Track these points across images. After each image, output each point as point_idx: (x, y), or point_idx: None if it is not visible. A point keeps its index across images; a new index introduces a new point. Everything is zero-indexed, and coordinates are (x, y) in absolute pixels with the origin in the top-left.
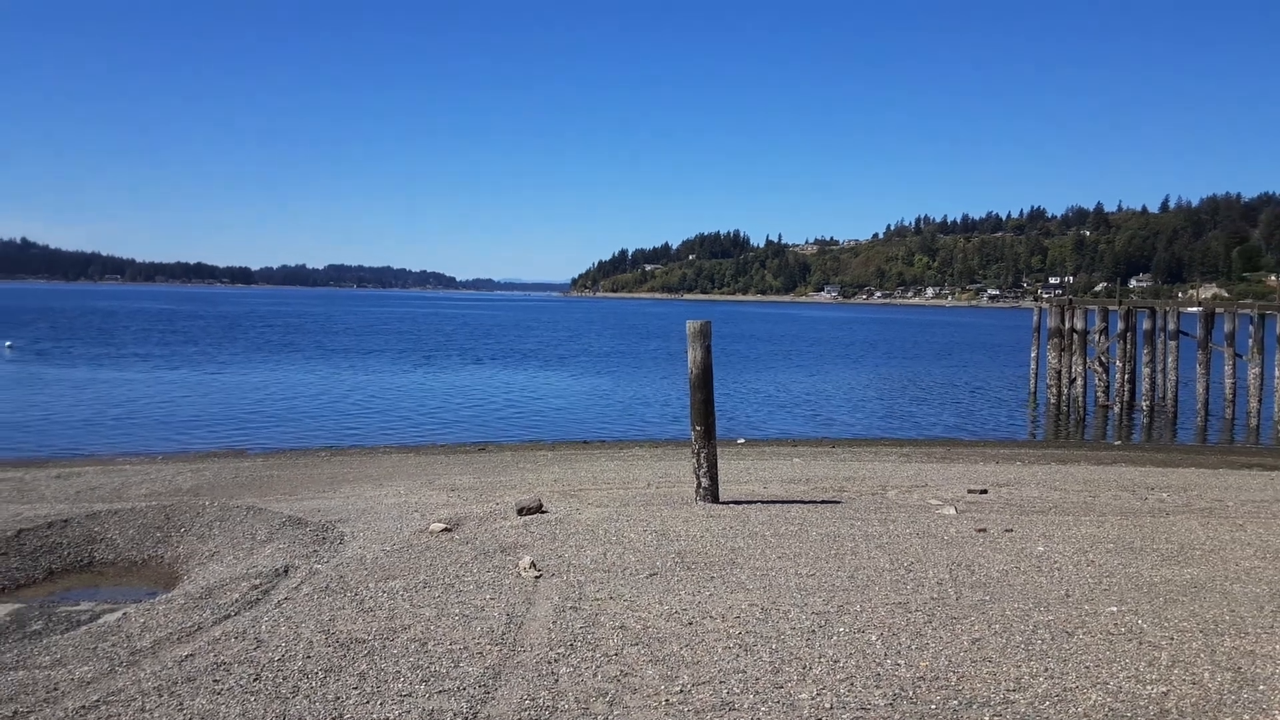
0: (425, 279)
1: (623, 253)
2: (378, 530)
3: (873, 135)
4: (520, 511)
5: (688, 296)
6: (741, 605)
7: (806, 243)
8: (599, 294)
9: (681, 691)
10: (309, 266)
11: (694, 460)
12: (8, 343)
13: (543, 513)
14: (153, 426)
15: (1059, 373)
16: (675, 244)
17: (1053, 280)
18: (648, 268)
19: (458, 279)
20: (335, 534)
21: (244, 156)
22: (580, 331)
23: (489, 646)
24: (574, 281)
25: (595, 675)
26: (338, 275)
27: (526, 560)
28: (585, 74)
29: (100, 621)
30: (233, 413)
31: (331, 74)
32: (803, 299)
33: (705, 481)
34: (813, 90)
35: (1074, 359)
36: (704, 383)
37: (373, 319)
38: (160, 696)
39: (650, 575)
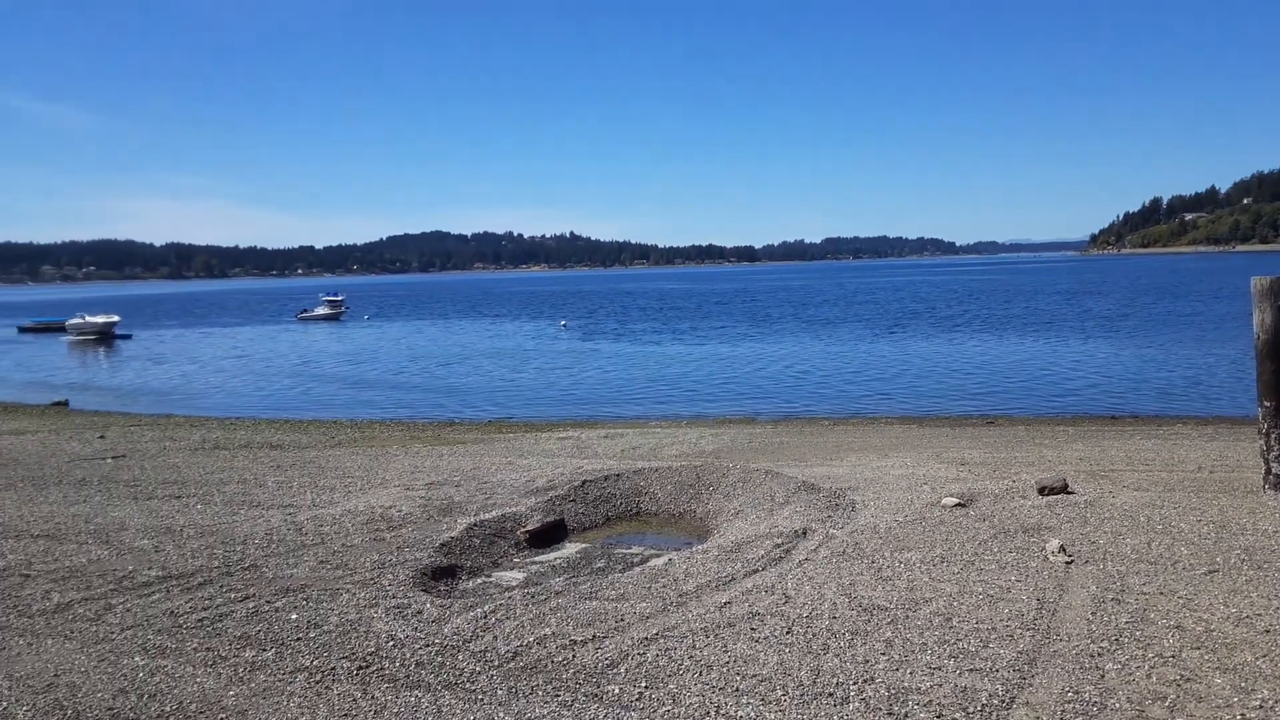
0: (922, 246)
1: (1155, 201)
2: (888, 500)
3: None
4: (1042, 491)
5: (1241, 248)
6: None
7: None
8: (1124, 250)
9: (1261, 708)
10: (807, 241)
11: (1262, 441)
12: (563, 321)
13: (1068, 493)
14: (675, 393)
15: None
16: (1224, 187)
17: None
18: (1187, 217)
19: (957, 244)
20: (846, 501)
21: (734, 143)
22: (1086, 292)
23: (1019, 630)
24: (1093, 238)
25: (1149, 676)
26: (834, 248)
27: (1054, 544)
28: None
29: (650, 565)
30: (740, 382)
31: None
32: None
33: (1277, 467)
34: None
35: None
36: (1276, 351)
37: (855, 289)
38: (707, 637)
39: (1209, 572)
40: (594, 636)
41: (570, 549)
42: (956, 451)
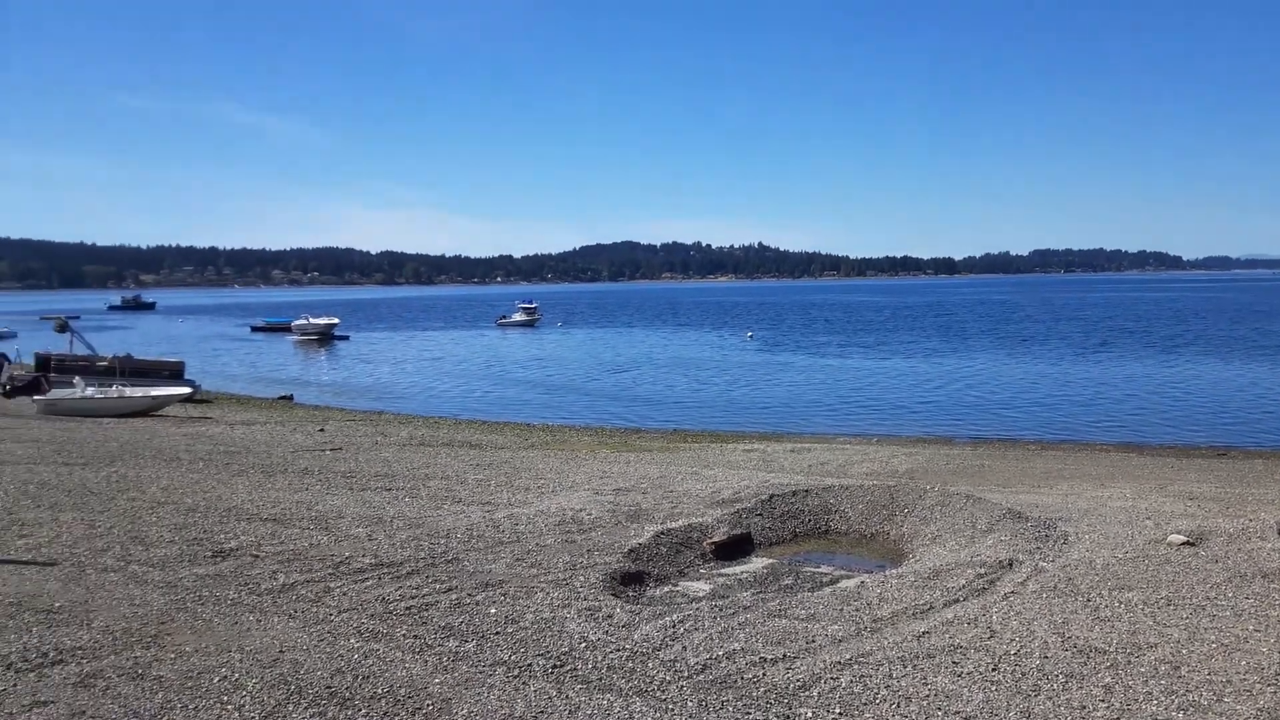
0: (1143, 260)
1: None
2: (1105, 534)
3: None
4: None
5: None
6: None
7: None
8: None
9: None
10: (1012, 253)
11: None
12: (749, 332)
13: None
14: (863, 409)
15: None
16: None
17: None
18: None
19: (1184, 258)
20: (1058, 532)
21: (933, 148)
22: None
23: (1259, 686)
24: None
25: None
26: (1043, 261)
27: None
28: None
29: (840, 586)
30: (933, 400)
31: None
32: None
33: None
34: None
35: None
36: None
37: (1063, 305)
38: (904, 666)
39: None
40: (784, 656)
41: (757, 564)
42: (1183, 484)
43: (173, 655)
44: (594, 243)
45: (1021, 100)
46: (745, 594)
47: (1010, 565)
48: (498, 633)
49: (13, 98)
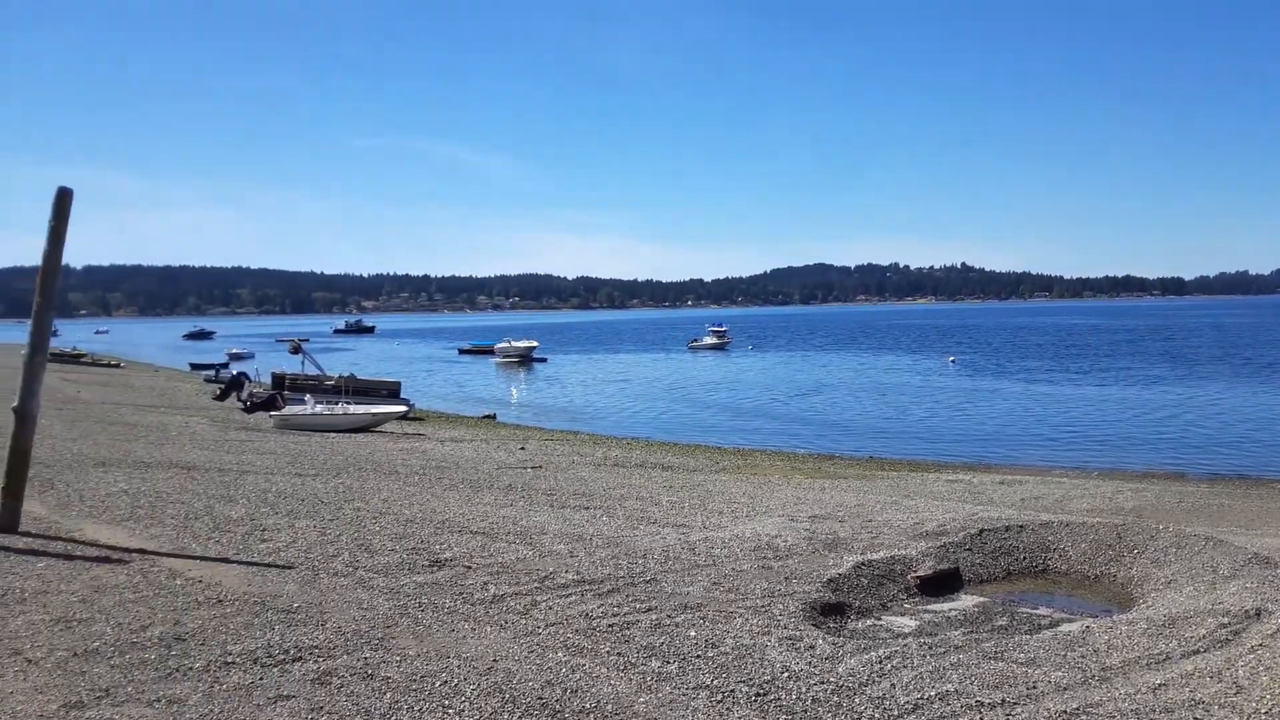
0: None
1: None
2: None
3: None
4: None
5: None
6: None
7: None
8: None
9: None
10: (1252, 273)
11: None
12: (950, 357)
13: None
14: (1080, 440)
15: None
16: None
17: None
18: None
19: None
20: None
21: (1157, 154)
22: None
23: None
24: None
25: None
26: None
27: None
28: None
29: (1062, 629)
30: (1163, 433)
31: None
32: None
33: None
34: None
35: None
36: None
37: None
38: None
39: None
40: (1003, 701)
41: (967, 601)
42: None
43: (398, 658)
44: (784, 265)
45: (1262, 100)
46: (956, 633)
47: (1258, 615)
48: (699, 656)
49: (261, 145)
